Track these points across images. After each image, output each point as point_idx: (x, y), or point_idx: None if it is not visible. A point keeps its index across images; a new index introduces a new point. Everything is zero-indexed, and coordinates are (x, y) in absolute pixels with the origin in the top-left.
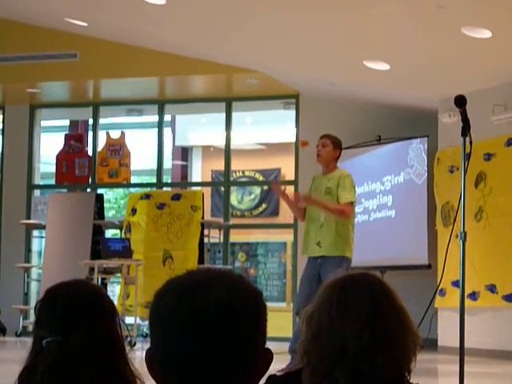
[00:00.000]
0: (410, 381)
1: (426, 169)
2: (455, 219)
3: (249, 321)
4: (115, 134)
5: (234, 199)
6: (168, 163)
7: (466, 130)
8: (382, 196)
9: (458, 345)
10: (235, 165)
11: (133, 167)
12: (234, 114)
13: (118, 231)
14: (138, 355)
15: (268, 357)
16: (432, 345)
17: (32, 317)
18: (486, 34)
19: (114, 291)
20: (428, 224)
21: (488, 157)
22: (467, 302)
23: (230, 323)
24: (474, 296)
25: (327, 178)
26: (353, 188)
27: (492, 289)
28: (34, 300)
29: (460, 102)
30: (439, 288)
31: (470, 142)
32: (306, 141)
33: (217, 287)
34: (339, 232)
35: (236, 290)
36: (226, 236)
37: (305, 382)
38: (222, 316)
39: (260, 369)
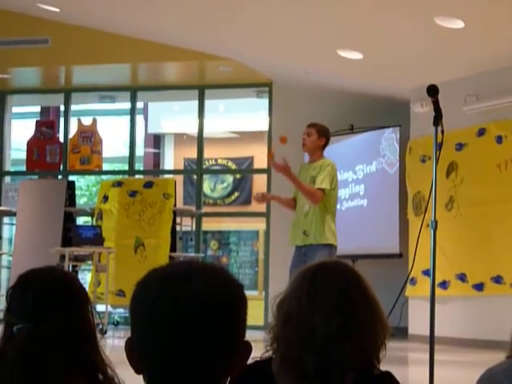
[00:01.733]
0: (380, 369)
1: (398, 158)
2: (426, 208)
3: (229, 313)
4: (87, 121)
5: (206, 187)
6: (140, 150)
7: (438, 119)
8: (354, 185)
9: (428, 333)
10: (208, 153)
11: (105, 154)
12: (207, 102)
13: (89, 218)
14: (108, 343)
15: (247, 348)
16: (402, 333)
17: (2, 304)
18: (459, 24)
19: (85, 279)
20: (399, 213)
21: (459, 147)
22: (437, 290)
23: (210, 315)
24: (444, 285)
25: (312, 166)
26: (330, 177)
27: (462, 278)
28: (4, 287)
29: (432, 91)
30: (410, 277)
31: (442, 132)
32: (285, 137)
33: (198, 279)
34: (324, 220)
35: (217, 282)
36: (199, 224)
37: (274, 369)
38: (202, 307)
39: (240, 360)
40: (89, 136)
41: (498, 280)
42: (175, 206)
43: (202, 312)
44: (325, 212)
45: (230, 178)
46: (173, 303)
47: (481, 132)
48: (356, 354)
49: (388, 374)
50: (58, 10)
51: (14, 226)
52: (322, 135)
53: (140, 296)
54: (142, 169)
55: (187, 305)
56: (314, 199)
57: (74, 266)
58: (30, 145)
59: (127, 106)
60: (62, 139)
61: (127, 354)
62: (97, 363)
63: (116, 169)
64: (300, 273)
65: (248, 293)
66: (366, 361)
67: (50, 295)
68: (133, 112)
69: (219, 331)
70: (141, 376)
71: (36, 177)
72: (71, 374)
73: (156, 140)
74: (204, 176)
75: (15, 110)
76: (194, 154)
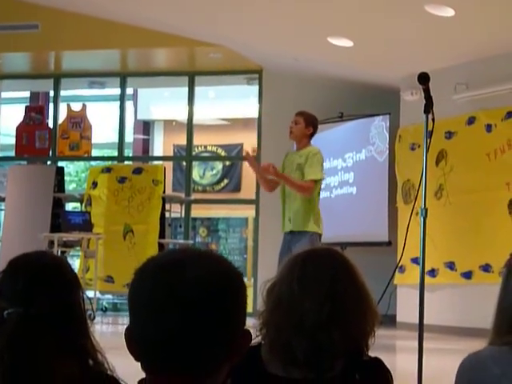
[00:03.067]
0: (369, 355)
1: (388, 146)
2: (416, 197)
3: (226, 300)
4: (76, 107)
5: (195, 174)
6: (129, 137)
7: (428, 107)
8: (344, 173)
9: (416, 321)
10: (197, 139)
11: (94, 140)
12: (197, 89)
13: (78, 204)
14: (97, 329)
15: (247, 336)
16: (391, 321)
17: None
18: (449, 12)
19: (74, 265)
20: (389, 201)
21: (449, 135)
22: (426, 278)
23: (206, 302)
24: (433, 273)
25: (299, 154)
26: (320, 165)
27: (451, 266)
28: None
29: (423, 79)
30: (399, 265)
31: (433, 120)
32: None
33: (193, 266)
34: (307, 208)
35: (213, 269)
36: (188, 211)
37: (264, 355)
38: (197, 295)
39: (239, 348)
40: (78, 122)
41: (486, 268)
42: (164, 192)
43: (198, 299)
44: (308, 200)
45: (219, 165)
46: (167, 291)
47: (470, 120)
48: (345, 340)
49: (377, 360)
50: None
51: (3, 212)
52: (310, 124)
53: (137, 285)
54: (131, 155)
55: (182, 293)
56: (305, 191)
57: (62, 252)
58: (19, 130)
59: (117, 91)
60: (51, 125)
61: (127, 342)
62: (87, 348)
63: (105, 155)
64: (290, 259)
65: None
66: (355, 347)
67: (40, 280)
68: (122, 98)
69: (216, 319)
70: (130, 362)
71: (25, 162)
72: (61, 359)
73: (145, 126)
74: (193, 163)
75: (4, 95)
76: (183, 141)
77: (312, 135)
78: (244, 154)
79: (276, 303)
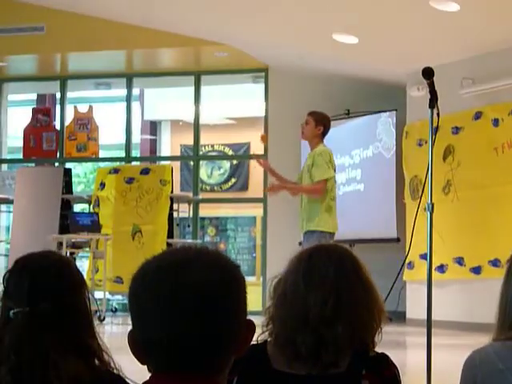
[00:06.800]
0: (376, 351)
1: (395, 142)
2: (423, 192)
3: (229, 296)
4: (83, 108)
5: (203, 174)
6: (137, 137)
7: (433, 101)
8: (351, 170)
9: (425, 317)
10: (204, 139)
11: (101, 141)
12: (203, 88)
13: (86, 206)
14: (107, 330)
15: (251, 328)
16: (400, 317)
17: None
18: (454, 7)
19: (83, 266)
20: (396, 197)
21: (456, 130)
22: (435, 274)
23: (210, 301)
24: (441, 269)
25: (310, 155)
26: (325, 164)
27: (460, 261)
28: (1, 275)
29: (428, 73)
30: (407, 261)
31: (438, 114)
32: (265, 135)
33: (195, 266)
34: (316, 207)
35: (214, 266)
36: (196, 210)
37: (270, 351)
38: (202, 294)
39: (244, 340)
40: (85, 123)
41: (495, 263)
42: (172, 192)
43: (202, 299)
44: (318, 199)
45: (226, 164)
46: (172, 292)
47: (477, 115)
48: (350, 336)
49: (384, 356)
50: None
51: (12, 214)
52: (320, 123)
53: (138, 287)
54: (138, 155)
55: (186, 293)
56: (316, 193)
57: (71, 253)
58: (27, 132)
59: (123, 92)
60: (58, 126)
61: (130, 346)
62: (93, 348)
63: (113, 156)
64: (297, 255)
65: (245, 279)
66: (360, 342)
67: (46, 279)
68: (129, 98)
69: (220, 315)
70: (136, 361)
71: (33, 164)
72: (67, 358)
73: (152, 126)
74: (201, 162)
75: (11, 97)
76: (190, 141)
77: (324, 134)
78: (259, 163)
79: (281, 298)
